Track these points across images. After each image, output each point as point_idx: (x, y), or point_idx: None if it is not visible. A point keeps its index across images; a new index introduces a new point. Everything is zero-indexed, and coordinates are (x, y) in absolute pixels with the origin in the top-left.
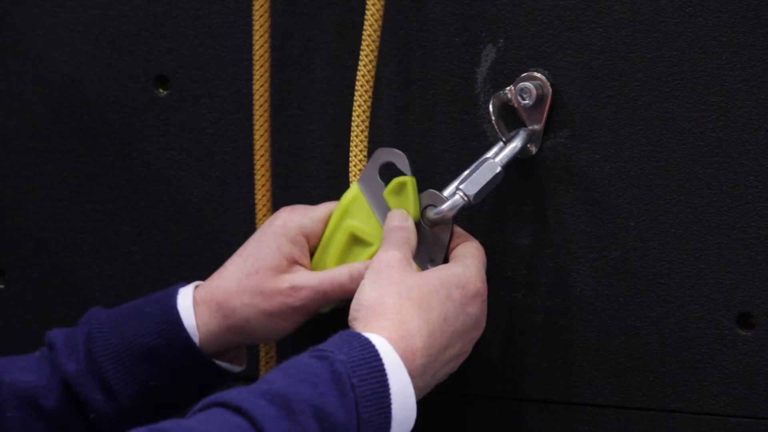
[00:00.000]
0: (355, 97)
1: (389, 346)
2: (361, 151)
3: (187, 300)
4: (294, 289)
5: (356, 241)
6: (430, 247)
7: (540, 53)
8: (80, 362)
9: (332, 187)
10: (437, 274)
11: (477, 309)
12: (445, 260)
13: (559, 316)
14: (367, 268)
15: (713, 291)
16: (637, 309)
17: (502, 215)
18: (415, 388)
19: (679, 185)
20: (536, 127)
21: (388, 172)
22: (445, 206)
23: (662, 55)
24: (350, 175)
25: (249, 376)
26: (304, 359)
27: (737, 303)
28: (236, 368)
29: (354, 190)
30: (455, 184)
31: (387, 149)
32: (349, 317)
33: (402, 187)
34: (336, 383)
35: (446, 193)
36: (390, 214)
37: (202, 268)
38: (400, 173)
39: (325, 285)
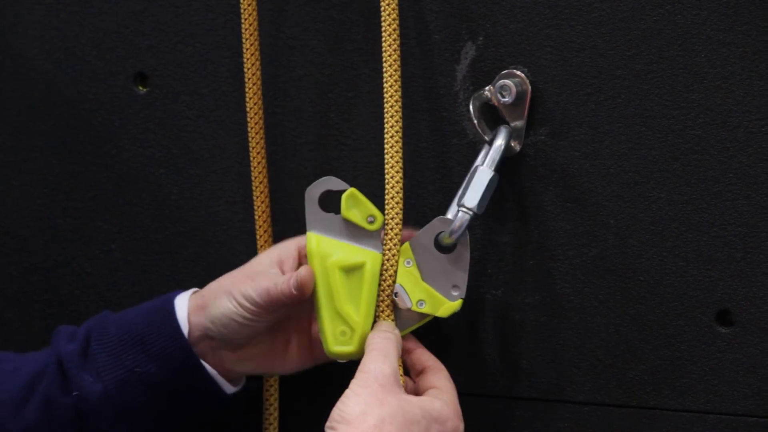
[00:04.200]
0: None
1: None
2: (397, 171)
3: (185, 296)
4: (255, 273)
5: (349, 271)
6: (451, 274)
7: (520, 51)
8: (76, 344)
9: None
10: (421, 404)
11: None
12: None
13: (539, 313)
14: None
15: (693, 288)
16: (616, 306)
17: (482, 213)
18: None
19: (658, 182)
20: (518, 123)
21: (329, 203)
22: (455, 226)
23: (642, 53)
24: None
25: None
26: None
27: (717, 300)
28: (227, 384)
29: (312, 237)
30: (455, 202)
31: (315, 183)
32: (328, 424)
33: (353, 199)
34: None
35: (450, 214)
36: (376, 325)
37: (182, 265)
38: (339, 193)
39: (281, 281)
